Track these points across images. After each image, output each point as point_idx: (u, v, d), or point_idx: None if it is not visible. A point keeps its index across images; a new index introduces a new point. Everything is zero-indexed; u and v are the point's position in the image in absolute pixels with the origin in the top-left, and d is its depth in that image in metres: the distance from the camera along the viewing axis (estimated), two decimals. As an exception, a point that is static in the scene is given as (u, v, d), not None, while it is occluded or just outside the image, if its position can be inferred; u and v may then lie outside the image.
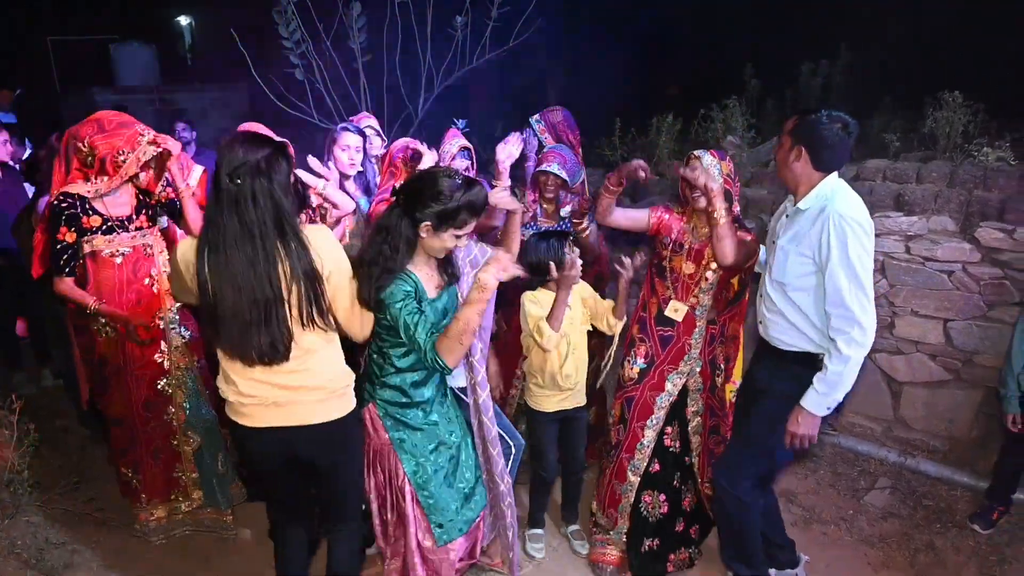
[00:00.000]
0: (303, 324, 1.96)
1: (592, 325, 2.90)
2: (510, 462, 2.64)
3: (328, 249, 2.00)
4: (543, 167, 3.19)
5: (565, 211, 3.32)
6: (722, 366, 2.86)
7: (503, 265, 2.01)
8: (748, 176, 4.63)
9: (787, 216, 2.40)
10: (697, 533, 2.97)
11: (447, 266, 2.23)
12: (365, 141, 3.47)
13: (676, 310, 2.77)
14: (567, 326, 2.73)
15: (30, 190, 4.50)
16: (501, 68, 6.63)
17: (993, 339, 3.46)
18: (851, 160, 4.36)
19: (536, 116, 3.84)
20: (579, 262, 2.72)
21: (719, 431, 2.91)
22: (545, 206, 3.33)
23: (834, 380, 2.23)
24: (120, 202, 2.82)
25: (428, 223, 2.02)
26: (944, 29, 5.88)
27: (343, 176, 3.23)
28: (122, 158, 2.68)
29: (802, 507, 3.39)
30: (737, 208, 2.75)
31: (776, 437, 2.41)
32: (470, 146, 3.45)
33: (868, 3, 6.78)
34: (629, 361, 2.88)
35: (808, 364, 2.33)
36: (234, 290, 1.87)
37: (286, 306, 1.93)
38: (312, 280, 1.94)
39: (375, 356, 2.25)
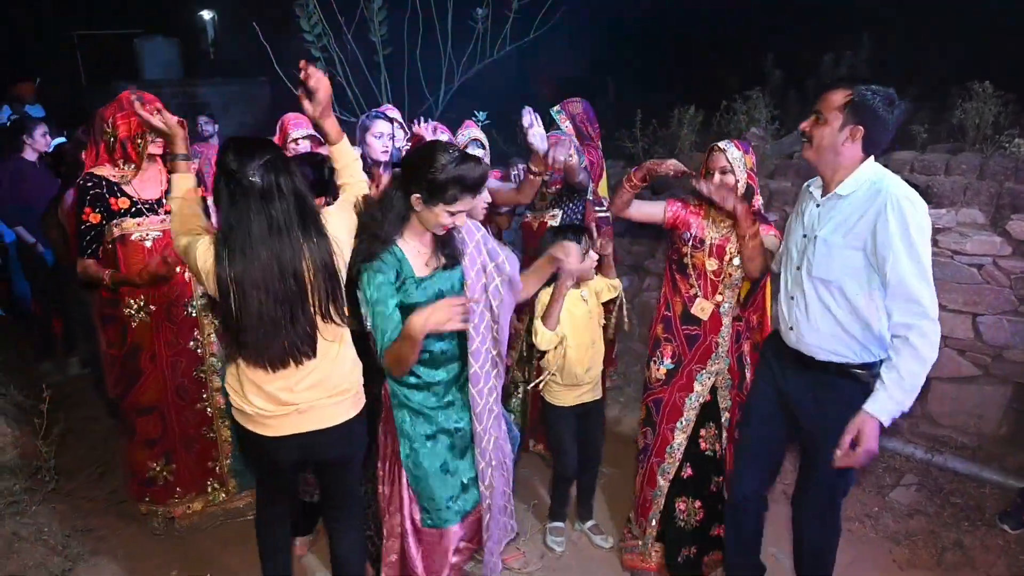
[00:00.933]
0: (323, 319, 1.96)
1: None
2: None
3: (346, 232, 2.02)
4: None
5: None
6: (748, 360, 2.75)
7: (434, 317, 1.84)
8: (772, 168, 4.56)
9: (818, 206, 2.16)
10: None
11: (444, 246, 2.11)
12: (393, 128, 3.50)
13: (703, 309, 2.66)
14: (587, 322, 2.72)
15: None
16: (522, 60, 6.61)
17: (1023, 334, 3.39)
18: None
19: (557, 107, 3.83)
20: (594, 257, 2.70)
21: None
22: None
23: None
24: (150, 185, 2.84)
25: (418, 195, 1.96)
26: (971, 18, 5.76)
27: (375, 163, 3.24)
28: (139, 141, 2.72)
29: (825, 503, 3.34)
30: (759, 201, 2.67)
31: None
32: (482, 137, 3.46)
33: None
34: (655, 362, 2.76)
35: (852, 379, 2.13)
36: (260, 291, 1.86)
37: (310, 302, 1.93)
38: (330, 272, 1.94)
39: None
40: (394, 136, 3.66)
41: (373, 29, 5.50)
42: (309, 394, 2.02)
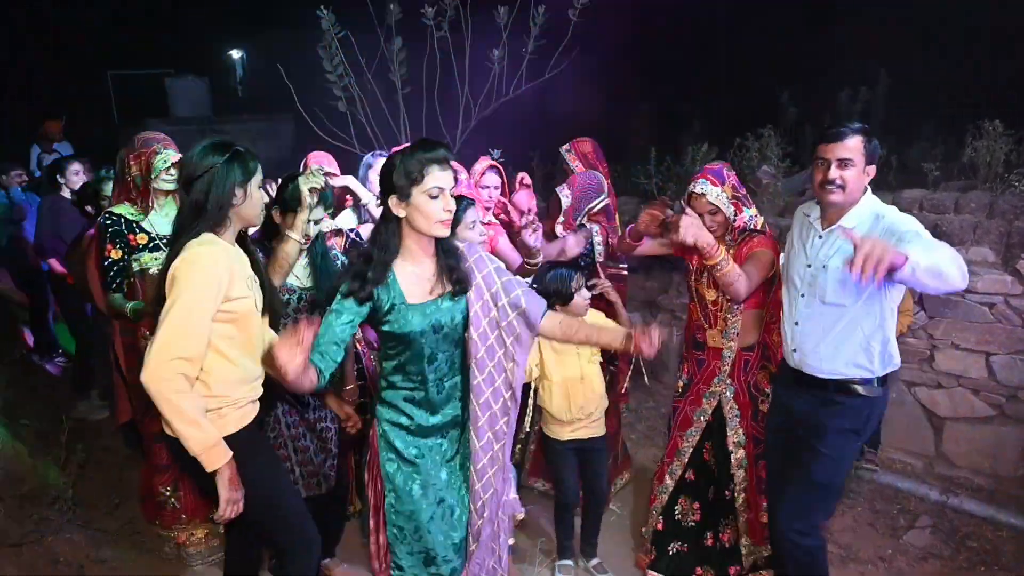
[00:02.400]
0: None
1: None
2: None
3: (180, 262, 1.95)
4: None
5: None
6: (767, 390, 2.75)
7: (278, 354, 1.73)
8: (783, 206, 4.59)
9: (820, 237, 2.32)
10: (736, 574, 2.87)
11: (451, 272, 1.97)
12: None
13: (713, 338, 2.77)
14: (574, 357, 2.77)
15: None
16: (538, 99, 6.74)
17: (1038, 374, 3.35)
18: (888, 189, 4.31)
19: (567, 146, 3.92)
20: (587, 296, 2.74)
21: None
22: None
23: (935, 249, 1.92)
24: (167, 220, 2.93)
25: (394, 196, 1.87)
26: (988, 56, 5.79)
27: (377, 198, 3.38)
28: (151, 179, 2.86)
29: (838, 545, 3.29)
30: (744, 216, 2.64)
31: (844, 473, 2.37)
32: (497, 164, 3.59)
33: (908, 29, 6.72)
34: (677, 375, 3.00)
35: (852, 394, 2.30)
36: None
37: None
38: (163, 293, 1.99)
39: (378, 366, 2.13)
40: None
41: (393, 69, 5.66)
42: None
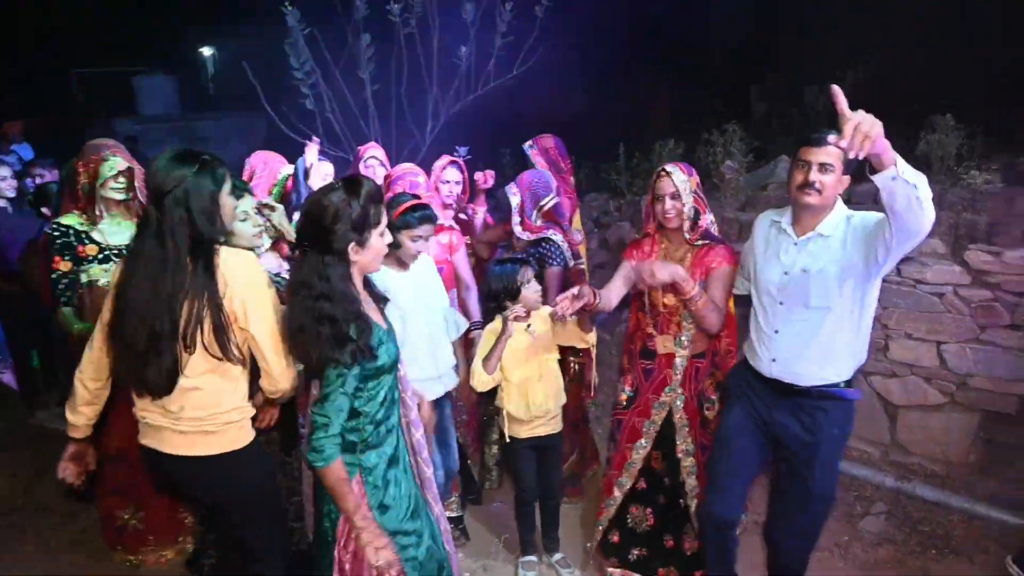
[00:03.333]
0: (188, 350, 1.92)
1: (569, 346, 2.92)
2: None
3: (243, 275, 1.95)
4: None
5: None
6: (713, 398, 2.80)
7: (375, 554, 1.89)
8: (744, 200, 4.66)
9: (795, 244, 2.35)
10: None
11: (369, 286, 2.05)
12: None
13: (664, 345, 2.75)
14: (531, 356, 2.77)
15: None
16: (508, 95, 6.76)
17: (986, 362, 3.44)
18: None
19: (529, 142, 3.95)
20: (537, 288, 2.76)
21: None
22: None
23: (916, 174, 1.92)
24: (118, 230, 2.88)
25: (352, 243, 1.85)
26: (948, 52, 5.91)
27: None
28: (98, 187, 2.79)
29: (796, 532, 3.36)
30: (706, 221, 2.68)
31: (836, 481, 2.45)
32: (458, 160, 3.61)
33: (873, 26, 6.83)
34: (619, 386, 2.94)
35: (835, 399, 2.34)
36: (136, 320, 1.88)
37: (180, 341, 1.90)
38: (214, 308, 1.90)
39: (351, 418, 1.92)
40: (372, 174, 3.82)
41: (361, 66, 5.65)
42: (166, 418, 2.02)
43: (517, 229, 3.27)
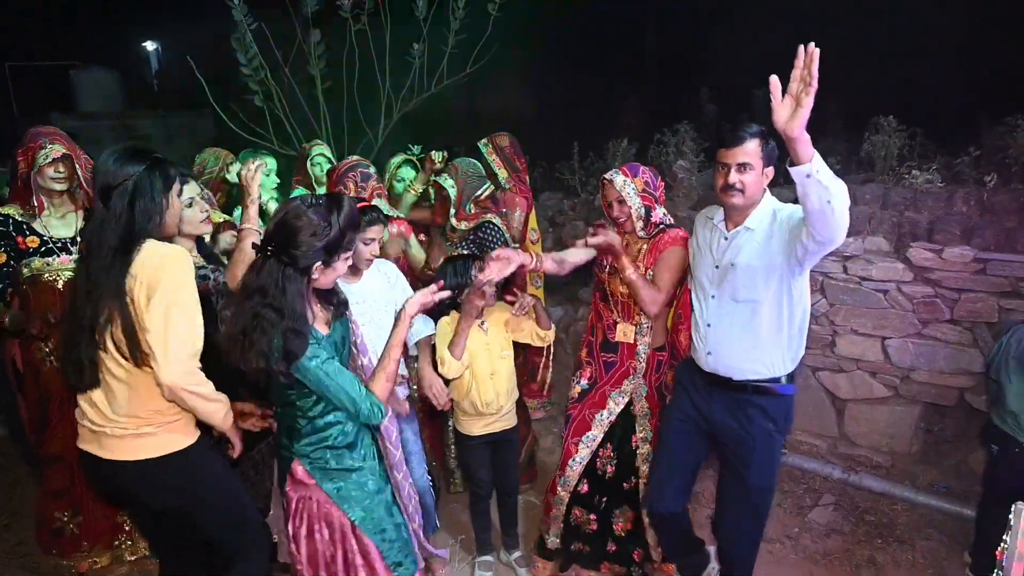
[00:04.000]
0: (101, 348, 1.90)
1: (524, 342, 2.90)
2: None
3: (152, 267, 1.87)
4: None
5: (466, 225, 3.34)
6: (669, 389, 2.82)
7: (421, 298, 2.02)
8: (697, 199, 4.73)
9: (725, 239, 2.39)
10: (641, 557, 2.91)
11: (332, 296, 2.07)
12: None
13: (625, 333, 2.76)
14: (484, 352, 2.75)
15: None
16: (462, 93, 6.72)
17: (928, 356, 3.56)
18: (791, 181, 4.49)
19: (485, 140, 3.94)
20: (489, 282, 2.74)
21: None
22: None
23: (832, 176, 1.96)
24: (62, 223, 2.78)
25: (318, 263, 1.87)
26: (892, 55, 6.11)
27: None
28: (38, 177, 2.69)
29: (749, 526, 3.42)
30: (658, 215, 2.70)
31: (776, 472, 2.47)
32: (413, 159, 3.58)
33: (820, 30, 7.02)
34: (574, 381, 2.92)
35: (769, 394, 2.37)
36: (70, 312, 1.93)
37: (100, 334, 1.88)
38: (122, 306, 1.86)
39: (286, 409, 2.03)
40: (320, 171, 3.76)
41: (312, 63, 5.53)
42: (97, 422, 1.98)
43: (453, 220, 3.24)
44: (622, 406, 2.79)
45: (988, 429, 2.87)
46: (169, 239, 2.04)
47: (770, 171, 2.30)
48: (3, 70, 11.13)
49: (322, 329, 1.99)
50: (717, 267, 2.41)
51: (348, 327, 2.13)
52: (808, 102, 1.80)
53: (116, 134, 9.95)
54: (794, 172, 1.92)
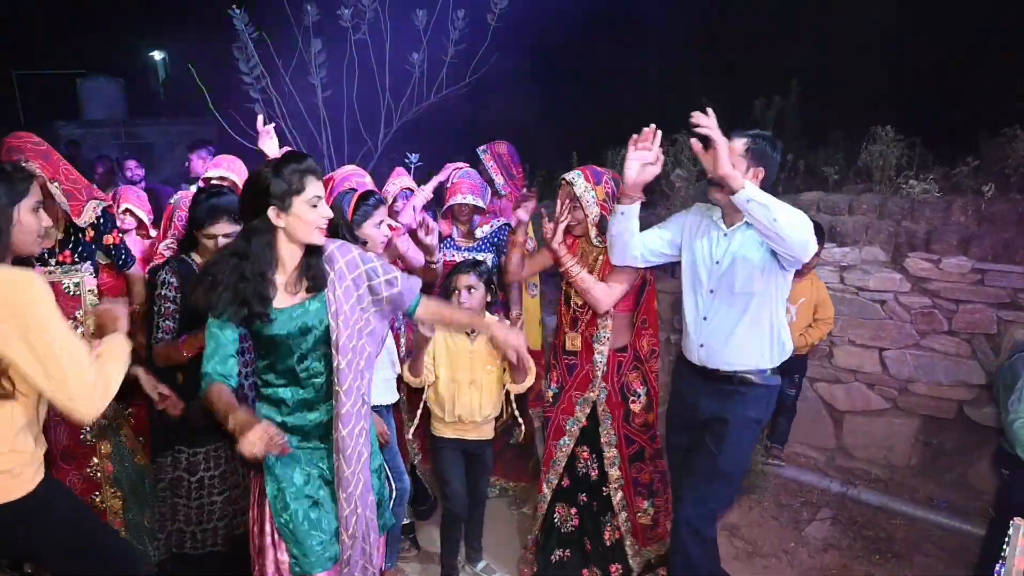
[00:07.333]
0: None
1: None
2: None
3: (3, 301, 1.65)
4: (458, 199, 3.32)
5: (482, 231, 3.51)
6: (639, 391, 2.82)
7: (248, 437, 1.75)
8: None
9: (725, 236, 2.44)
10: (618, 573, 2.87)
11: (308, 269, 1.99)
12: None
13: (572, 341, 2.83)
14: (466, 358, 2.74)
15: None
16: (462, 102, 6.72)
17: (926, 367, 3.52)
18: (795, 191, 4.46)
19: (483, 147, 3.94)
20: (482, 290, 2.73)
21: (643, 457, 2.86)
22: (462, 228, 3.52)
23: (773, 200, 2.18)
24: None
25: (273, 207, 1.88)
26: (889, 65, 6.09)
27: None
28: None
29: (744, 540, 3.37)
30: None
31: (746, 463, 2.51)
32: (412, 185, 3.51)
33: (819, 38, 7.00)
34: (546, 384, 3.00)
35: (753, 384, 2.45)
36: None
37: None
38: None
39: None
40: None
41: (312, 71, 5.56)
42: None
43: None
44: (587, 412, 2.83)
45: (999, 453, 2.80)
46: (23, 260, 1.88)
47: (759, 171, 2.33)
48: (10, 78, 11.22)
49: (280, 300, 1.96)
50: (718, 263, 2.45)
51: (324, 318, 2.01)
52: (718, 146, 2.15)
53: (119, 142, 10.01)
54: (735, 200, 2.18)
